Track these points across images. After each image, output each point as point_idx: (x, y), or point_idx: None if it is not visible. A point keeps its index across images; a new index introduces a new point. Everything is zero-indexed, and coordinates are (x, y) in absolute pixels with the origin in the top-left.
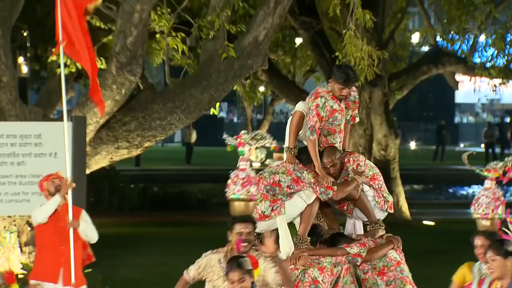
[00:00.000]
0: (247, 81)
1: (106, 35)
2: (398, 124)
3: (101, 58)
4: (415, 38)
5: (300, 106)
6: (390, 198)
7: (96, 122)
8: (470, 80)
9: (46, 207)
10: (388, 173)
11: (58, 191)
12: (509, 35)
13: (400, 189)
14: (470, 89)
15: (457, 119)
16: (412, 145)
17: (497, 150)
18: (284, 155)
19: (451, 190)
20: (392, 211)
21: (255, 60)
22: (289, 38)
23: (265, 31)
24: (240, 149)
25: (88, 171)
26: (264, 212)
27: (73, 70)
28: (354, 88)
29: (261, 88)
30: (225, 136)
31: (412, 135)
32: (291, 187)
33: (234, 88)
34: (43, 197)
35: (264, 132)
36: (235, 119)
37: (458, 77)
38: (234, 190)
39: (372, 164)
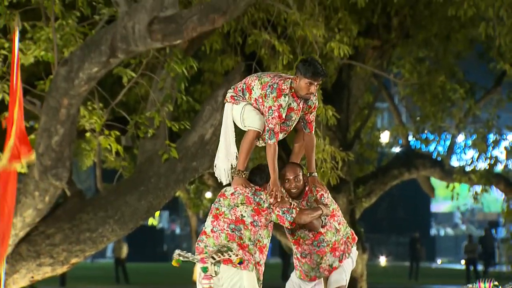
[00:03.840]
0: (192, 186)
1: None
2: (366, 237)
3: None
4: (385, 137)
5: (256, 125)
6: (349, 229)
7: (14, 235)
8: (448, 186)
9: None
10: None
11: None
12: (491, 135)
13: None
14: (447, 197)
15: (433, 231)
16: (382, 260)
17: (480, 267)
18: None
19: None
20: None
21: (201, 162)
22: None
23: (212, 129)
24: (203, 265)
25: None
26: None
27: None
28: (315, 91)
29: (208, 194)
30: (178, 251)
31: (382, 249)
32: (255, 223)
33: (177, 194)
34: None
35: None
36: (178, 230)
37: (434, 182)
38: None
39: (332, 198)
